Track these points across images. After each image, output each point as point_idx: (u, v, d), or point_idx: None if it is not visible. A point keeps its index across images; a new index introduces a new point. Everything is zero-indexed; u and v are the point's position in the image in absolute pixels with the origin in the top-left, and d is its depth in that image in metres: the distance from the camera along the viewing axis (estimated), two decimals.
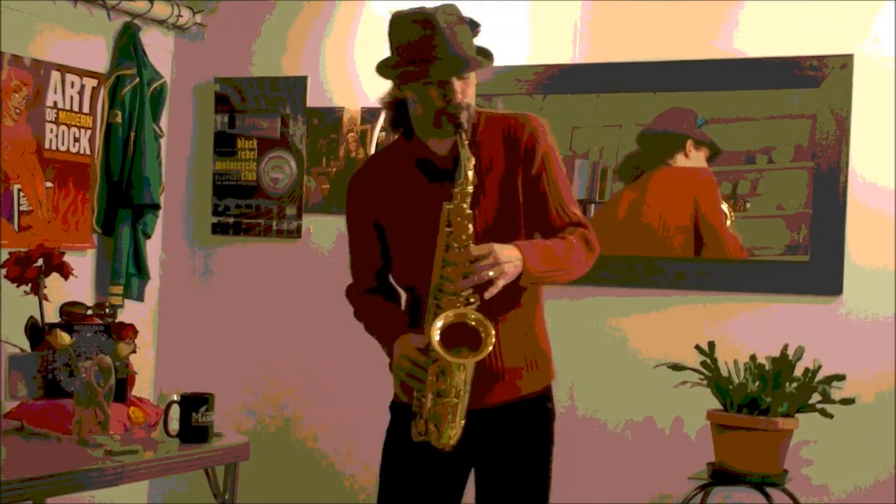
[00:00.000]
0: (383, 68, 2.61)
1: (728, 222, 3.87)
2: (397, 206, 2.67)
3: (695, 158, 3.91)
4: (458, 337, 2.47)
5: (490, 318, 2.50)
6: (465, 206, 2.48)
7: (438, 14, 2.52)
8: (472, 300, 2.48)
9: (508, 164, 2.63)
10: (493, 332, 2.44)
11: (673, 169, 3.95)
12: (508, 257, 2.46)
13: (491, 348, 2.44)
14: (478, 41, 4.34)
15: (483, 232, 2.55)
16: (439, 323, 2.45)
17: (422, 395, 2.53)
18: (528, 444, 2.70)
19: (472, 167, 2.48)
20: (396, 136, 2.74)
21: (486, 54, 2.61)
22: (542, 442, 2.74)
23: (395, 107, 2.68)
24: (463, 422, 2.52)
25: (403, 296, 2.80)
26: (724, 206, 3.88)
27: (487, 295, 2.46)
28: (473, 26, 2.60)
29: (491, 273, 2.44)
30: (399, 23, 2.56)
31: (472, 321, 2.46)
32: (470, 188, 2.48)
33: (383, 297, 2.79)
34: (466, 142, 2.50)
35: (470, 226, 2.48)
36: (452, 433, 2.51)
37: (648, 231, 3.97)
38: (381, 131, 4.34)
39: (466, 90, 2.56)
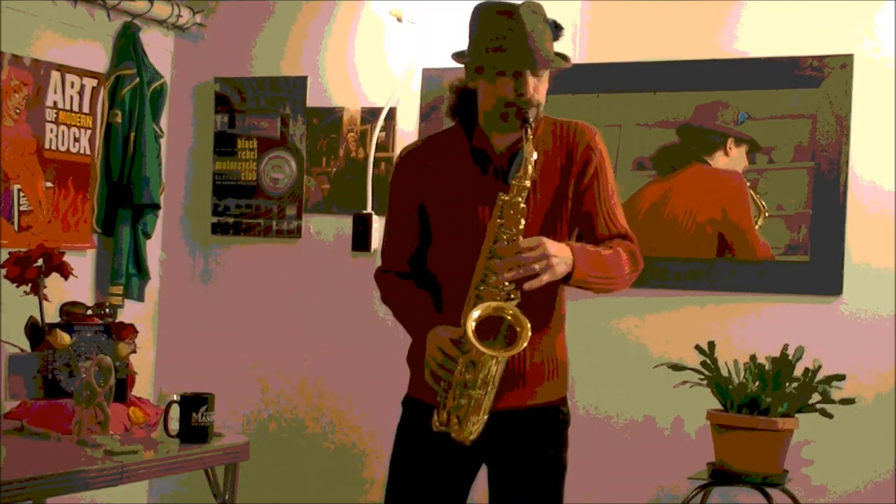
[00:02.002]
0: (459, 55, 2.61)
1: (760, 221, 3.84)
2: (445, 193, 2.65)
3: (735, 155, 3.88)
4: (492, 331, 2.45)
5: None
6: (520, 199, 2.47)
7: (523, 8, 2.52)
8: (513, 296, 2.46)
9: (562, 170, 2.63)
10: (529, 330, 2.42)
11: (706, 169, 3.90)
12: (557, 253, 2.43)
13: (525, 345, 2.41)
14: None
15: (527, 229, 2.53)
16: (476, 313, 2.43)
17: (448, 386, 2.51)
18: (540, 452, 2.68)
19: (533, 162, 2.47)
20: (453, 124, 2.72)
21: (564, 57, 2.61)
22: (555, 448, 2.71)
23: (459, 93, 2.67)
24: (486, 417, 2.50)
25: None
26: (758, 203, 3.84)
27: (528, 287, 2.42)
28: (557, 28, 2.61)
29: (537, 266, 2.40)
30: (483, 13, 2.56)
31: (510, 316, 2.44)
32: (528, 183, 2.47)
33: (415, 283, 2.73)
34: (531, 137, 2.49)
35: (522, 220, 2.47)
36: (474, 428, 2.49)
37: (673, 230, 3.94)
38: (380, 131, 4.33)
39: (539, 88, 2.56)
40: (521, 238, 2.46)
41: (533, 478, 2.67)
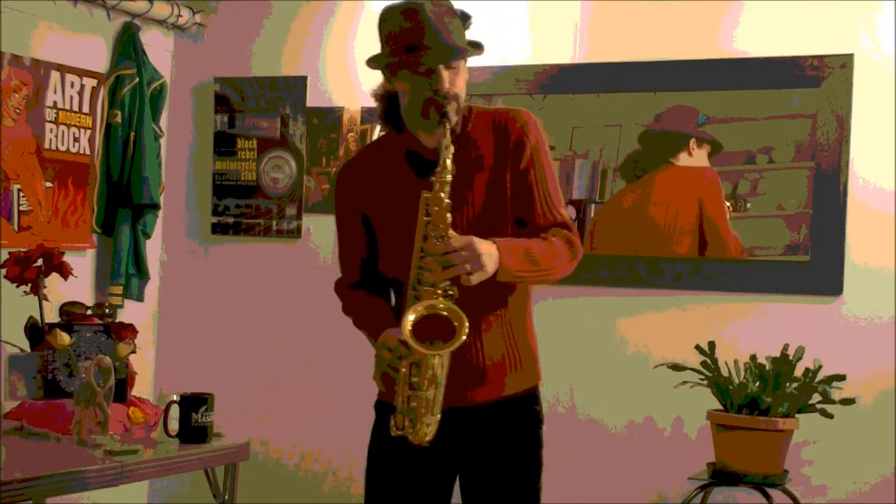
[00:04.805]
0: (373, 60, 2.60)
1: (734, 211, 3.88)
2: (384, 199, 2.65)
3: (697, 156, 3.92)
4: (436, 329, 2.43)
5: (475, 316, 2.50)
6: (443, 195, 2.45)
7: (426, 4, 2.51)
8: (450, 292, 2.45)
9: (497, 157, 2.61)
10: (467, 322, 2.40)
11: (678, 168, 3.94)
12: (486, 252, 2.43)
13: (465, 338, 2.39)
14: (481, 40, 4.36)
15: (470, 224, 2.54)
16: (411, 316, 2.42)
17: (400, 388, 2.49)
18: (513, 448, 2.66)
19: (450, 156, 2.46)
20: (387, 130, 2.72)
21: (476, 45, 2.60)
22: (529, 445, 2.68)
23: (387, 100, 2.66)
24: (438, 416, 2.47)
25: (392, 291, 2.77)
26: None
27: (462, 283, 2.42)
28: (465, 18, 2.60)
29: (468, 266, 2.40)
30: (388, 15, 2.56)
31: (444, 311, 2.43)
32: (448, 177, 2.45)
33: (367, 292, 2.76)
34: (449, 130, 2.48)
35: (448, 215, 2.44)
36: (428, 429, 2.47)
37: (654, 231, 3.97)
38: (381, 131, 4.33)
39: (455, 80, 2.54)
40: (450, 233, 2.44)
41: (502, 482, 2.64)
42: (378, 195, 2.67)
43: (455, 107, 2.53)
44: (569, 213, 4.09)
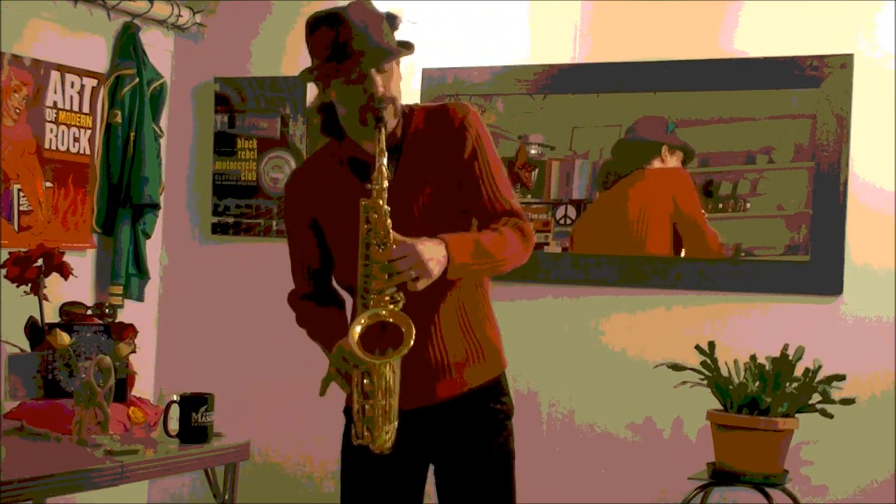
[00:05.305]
0: (305, 74, 2.57)
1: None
2: (332, 207, 2.64)
3: (670, 163, 3.93)
4: (386, 336, 2.43)
5: (430, 314, 2.52)
6: (381, 202, 2.43)
7: (350, 8, 2.50)
8: (397, 298, 2.44)
9: (441, 152, 2.60)
10: (413, 326, 2.39)
11: (650, 171, 3.96)
12: (432, 254, 2.41)
13: (412, 342, 2.38)
14: (481, 40, 4.37)
15: (421, 222, 2.53)
16: (357, 328, 2.42)
17: (354, 398, 2.51)
18: (481, 442, 2.66)
19: (384, 162, 2.44)
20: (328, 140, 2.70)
21: (406, 45, 2.57)
22: (497, 438, 2.69)
23: (324, 110, 2.63)
24: (395, 423, 2.48)
25: (349, 299, 2.74)
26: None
27: (409, 288, 2.42)
28: (392, 19, 2.57)
29: (413, 273, 2.38)
30: (312, 25, 2.53)
31: (388, 318, 2.42)
32: (385, 183, 2.44)
33: (318, 303, 2.77)
34: (383, 136, 2.46)
35: (388, 221, 2.43)
36: (387, 436, 2.48)
37: (629, 232, 3.99)
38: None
39: (389, 83, 2.52)
40: (393, 237, 2.42)
41: (476, 471, 2.66)
42: (326, 203, 2.66)
43: (392, 110, 2.52)
44: (570, 212, 4.15)
